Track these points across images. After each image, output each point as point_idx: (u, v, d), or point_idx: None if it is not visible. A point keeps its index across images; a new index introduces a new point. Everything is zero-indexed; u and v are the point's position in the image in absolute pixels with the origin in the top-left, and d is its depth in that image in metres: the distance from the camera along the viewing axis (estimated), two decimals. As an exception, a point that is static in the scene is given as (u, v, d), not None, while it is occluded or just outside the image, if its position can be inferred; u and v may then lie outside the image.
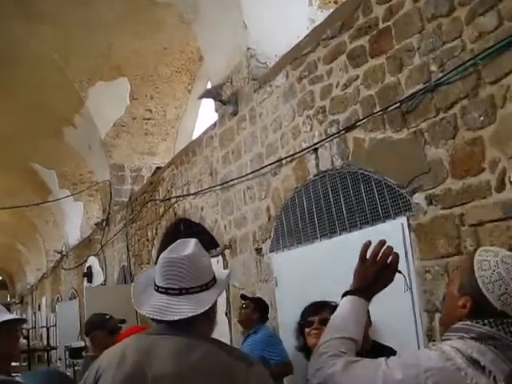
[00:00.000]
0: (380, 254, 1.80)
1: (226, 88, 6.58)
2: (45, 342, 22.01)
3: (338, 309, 1.85)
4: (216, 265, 6.72)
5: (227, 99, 6.45)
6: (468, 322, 1.60)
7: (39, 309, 26.97)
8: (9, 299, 44.25)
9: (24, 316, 33.61)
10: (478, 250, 1.70)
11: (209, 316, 1.78)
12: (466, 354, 1.51)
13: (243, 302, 5.25)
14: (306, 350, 3.02)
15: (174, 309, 1.70)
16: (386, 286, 1.84)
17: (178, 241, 1.87)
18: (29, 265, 31.47)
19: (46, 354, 20.17)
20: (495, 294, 1.56)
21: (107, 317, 4.37)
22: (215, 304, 1.84)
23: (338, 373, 1.57)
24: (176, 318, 1.68)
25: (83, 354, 5.50)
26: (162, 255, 1.82)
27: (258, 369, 1.62)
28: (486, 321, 1.57)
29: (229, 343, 6.32)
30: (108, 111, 11.59)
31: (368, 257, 1.81)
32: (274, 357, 4.69)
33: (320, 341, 1.73)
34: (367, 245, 1.82)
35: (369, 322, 3.71)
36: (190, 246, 1.79)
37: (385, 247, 1.80)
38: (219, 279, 1.87)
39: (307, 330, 2.99)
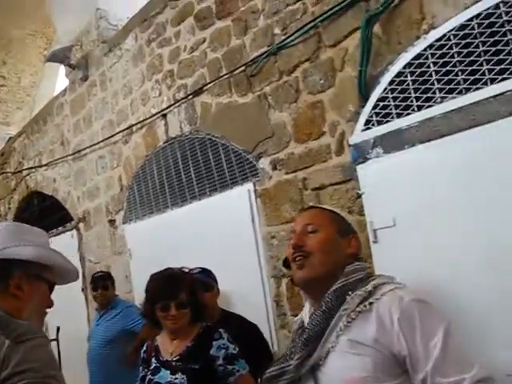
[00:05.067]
0: None
1: (75, 51, 6.16)
2: None
3: None
4: (70, 239, 6.39)
5: (77, 63, 6.05)
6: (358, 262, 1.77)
7: None
8: None
9: None
10: (315, 207, 2.01)
11: (8, 291, 1.57)
12: None
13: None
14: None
15: None
16: None
17: None
18: None
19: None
20: None
21: None
22: (19, 278, 1.60)
23: None
24: None
25: None
26: None
27: (29, 345, 1.39)
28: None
29: (86, 320, 6.07)
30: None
31: None
32: (138, 325, 4.38)
33: None
34: None
35: (217, 292, 3.65)
36: None
37: None
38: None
39: (162, 313, 2.71)
